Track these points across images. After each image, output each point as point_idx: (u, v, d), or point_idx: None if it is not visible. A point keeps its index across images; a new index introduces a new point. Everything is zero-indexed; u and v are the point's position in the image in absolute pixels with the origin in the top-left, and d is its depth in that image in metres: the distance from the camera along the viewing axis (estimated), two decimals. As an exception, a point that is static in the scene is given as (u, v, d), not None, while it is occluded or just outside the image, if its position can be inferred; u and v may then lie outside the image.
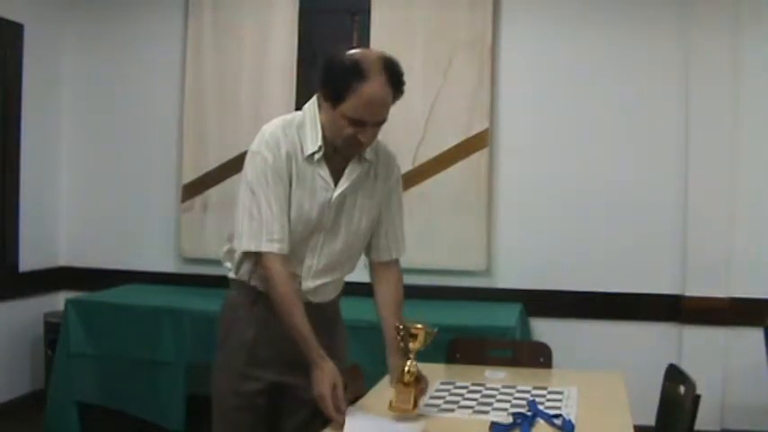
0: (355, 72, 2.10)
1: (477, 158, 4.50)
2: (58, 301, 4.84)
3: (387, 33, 4.55)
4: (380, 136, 2.28)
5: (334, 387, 2.15)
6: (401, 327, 2.18)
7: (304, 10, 4.66)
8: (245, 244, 2.25)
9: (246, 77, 4.73)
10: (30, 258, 4.80)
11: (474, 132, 4.50)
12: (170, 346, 4.01)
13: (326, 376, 2.16)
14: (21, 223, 4.73)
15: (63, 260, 5.08)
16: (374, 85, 2.10)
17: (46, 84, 4.93)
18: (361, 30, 4.77)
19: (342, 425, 2.08)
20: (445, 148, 4.52)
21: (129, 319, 4.15)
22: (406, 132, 4.45)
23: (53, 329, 4.45)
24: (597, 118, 4.51)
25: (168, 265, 4.86)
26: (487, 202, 4.52)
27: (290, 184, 2.24)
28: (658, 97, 4.45)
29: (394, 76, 2.14)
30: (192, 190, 4.77)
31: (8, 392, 4.62)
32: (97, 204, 5.05)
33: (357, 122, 2.14)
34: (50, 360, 4.38)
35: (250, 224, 2.22)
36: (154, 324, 4.06)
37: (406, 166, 4.41)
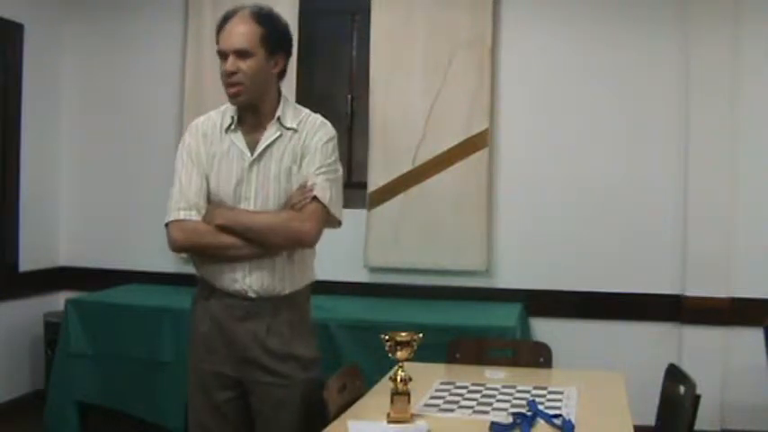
0: (226, 16, 2.35)
1: (477, 158, 4.50)
2: (58, 301, 4.83)
3: (387, 33, 4.53)
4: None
5: None
6: (387, 337, 2.18)
7: (304, 10, 4.65)
8: (166, 220, 2.36)
9: (246, 77, 4.73)
10: (30, 258, 4.80)
11: (474, 132, 4.49)
12: (170, 346, 4.01)
13: None
14: (21, 223, 4.73)
15: (63, 260, 5.08)
16: (234, 19, 2.33)
17: (46, 84, 4.93)
18: (361, 30, 4.77)
19: None
20: (445, 148, 4.50)
21: (129, 319, 4.16)
22: (406, 132, 4.41)
23: (53, 329, 4.45)
24: (597, 118, 4.51)
25: (168, 265, 4.84)
26: (487, 202, 4.52)
27: (212, 161, 2.36)
28: (658, 97, 4.45)
29: (258, 13, 2.35)
30: (192, 190, 4.76)
31: (8, 392, 4.62)
32: (97, 204, 5.05)
33: (222, 55, 2.33)
34: (50, 360, 4.37)
35: (169, 202, 2.36)
36: (154, 324, 4.07)
37: (406, 165, 4.41)
